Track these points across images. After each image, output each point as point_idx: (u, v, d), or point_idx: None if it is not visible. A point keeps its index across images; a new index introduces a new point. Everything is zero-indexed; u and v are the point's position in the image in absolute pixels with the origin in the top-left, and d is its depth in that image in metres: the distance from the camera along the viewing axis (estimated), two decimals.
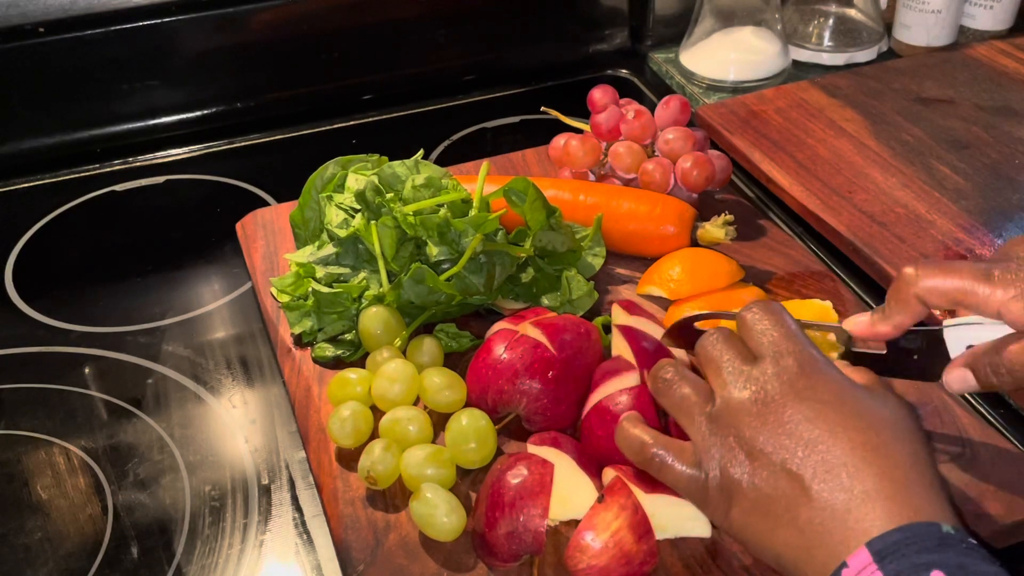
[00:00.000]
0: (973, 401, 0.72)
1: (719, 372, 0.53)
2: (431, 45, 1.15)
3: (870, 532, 0.45)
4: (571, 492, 0.60)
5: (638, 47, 1.22)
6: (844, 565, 0.45)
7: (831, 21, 1.15)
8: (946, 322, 0.60)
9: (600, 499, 0.58)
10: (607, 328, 0.73)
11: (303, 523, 0.67)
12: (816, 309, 0.73)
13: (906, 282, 0.56)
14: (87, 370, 0.80)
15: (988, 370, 0.56)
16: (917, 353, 0.61)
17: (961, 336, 0.59)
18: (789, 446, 0.49)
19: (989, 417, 0.70)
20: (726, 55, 1.10)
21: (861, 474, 0.47)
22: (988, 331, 0.57)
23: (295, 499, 0.68)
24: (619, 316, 0.71)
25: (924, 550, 0.44)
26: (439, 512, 0.60)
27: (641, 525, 0.57)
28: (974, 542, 0.45)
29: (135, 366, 0.80)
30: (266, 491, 0.69)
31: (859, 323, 0.60)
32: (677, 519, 0.59)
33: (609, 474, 0.61)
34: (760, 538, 0.49)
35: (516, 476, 0.59)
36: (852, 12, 1.15)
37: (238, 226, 0.90)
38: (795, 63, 1.14)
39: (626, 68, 1.20)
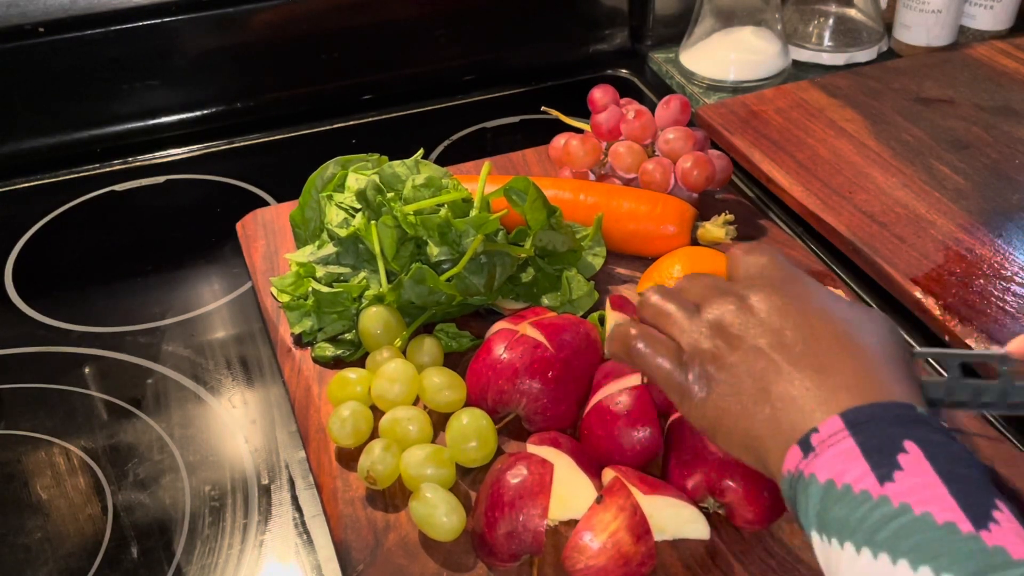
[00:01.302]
0: None
1: (704, 290, 0.54)
2: (431, 45, 1.15)
3: (843, 404, 0.45)
4: (571, 492, 0.60)
5: (638, 47, 1.22)
6: (814, 430, 0.45)
7: (831, 21, 1.15)
8: None
9: (599, 500, 0.58)
10: (601, 320, 0.73)
11: (303, 523, 0.67)
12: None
13: None
14: (87, 370, 0.80)
15: None
16: None
17: None
18: (766, 331, 0.49)
19: (989, 417, 0.70)
20: (726, 55, 1.10)
21: (837, 356, 0.47)
22: None
23: (295, 499, 0.68)
24: (610, 313, 0.71)
25: (897, 423, 0.44)
26: (439, 512, 0.60)
27: (639, 526, 0.57)
28: (946, 425, 0.45)
29: (135, 366, 0.80)
30: (266, 491, 0.69)
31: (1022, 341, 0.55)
32: (676, 520, 0.59)
33: (609, 475, 0.61)
34: (734, 421, 0.49)
35: (516, 476, 0.59)
36: (852, 12, 1.15)
37: (238, 226, 0.90)
38: (795, 63, 1.14)
39: (626, 68, 1.20)
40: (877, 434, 0.43)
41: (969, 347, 0.72)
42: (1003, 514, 0.40)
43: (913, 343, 0.76)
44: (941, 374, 0.64)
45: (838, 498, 0.42)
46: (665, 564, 0.59)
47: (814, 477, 0.44)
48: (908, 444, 0.42)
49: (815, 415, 0.46)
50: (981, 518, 0.39)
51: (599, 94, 0.90)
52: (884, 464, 0.42)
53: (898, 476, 0.41)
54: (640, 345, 0.54)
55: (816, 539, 0.44)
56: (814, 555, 0.45)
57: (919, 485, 0.41)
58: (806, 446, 0.45)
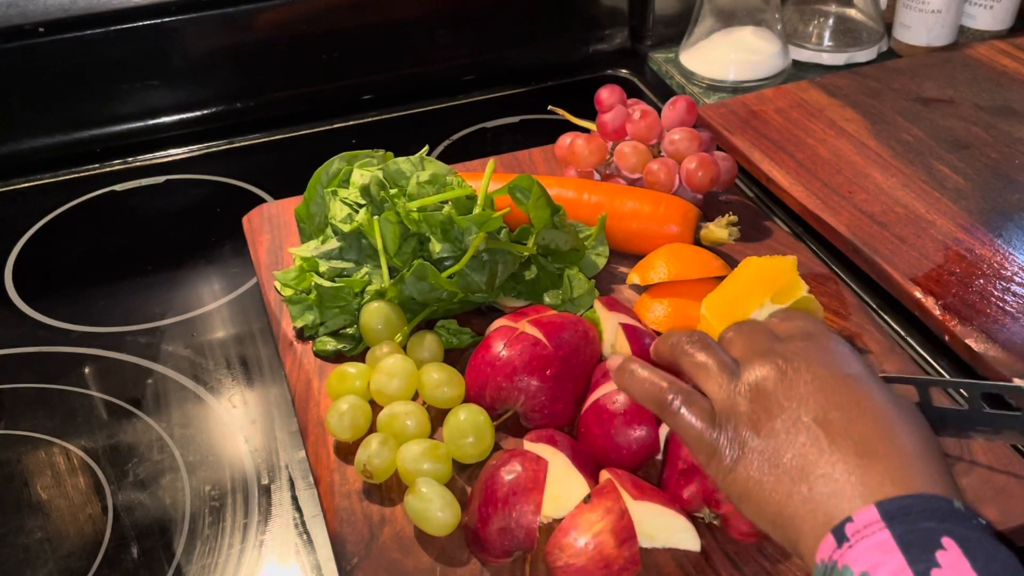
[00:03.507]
0: None
1: (745, 344, 0.54)
2: (431, 45, 1.15)
3: (881, 494, 0.44)
4: (564, 490, 0.60)
5: (638, 47, 1.22)
6: (849, 519, 0.44)
7: (831, 21, 1.15)
8: None
9: (586, 499, 0.57)
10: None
11: (303, 523, 0.67)
12: (783, 264, 0.72)
13: None
14: (87, 370, 0.80)
15: None
16: None
17: None
18: (812, 405, 0.48)
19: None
20: (726, 55, 1.10)
21: (880, 441, 0.47)
22: None
23: (295, 499, 0.68)
24: (602, 313, 0.71)
25: (934, 518, 0.43)
26: (433, 507, 0.60)
27: (624, 531, 0.56)
28: (983, 521, 0.44)
29: (135, 366, 0.80)
30: (266, 491, 0.69)
31: None
32: (666, 529, 0.58)
33: (605, 476, 0.60)
34: (763, 493, 0.48)
35: (510, 472, 0.59)
36: (852, 12, 1.15)
37: (244, 219, 0.90)
38: (795, 63, 1.14)
39: (626, 68, 1.20)
40: (914, 528, 0.42)
41: (969, 347, 0.72)
42: None
43: (945, 373, 0.75)
44: (960, 404, 0.65)
45: None
46: (659, 564, 0.59)
47: (848, 569, 0.42)
48: (946, 541, 0.41)
49: (853, 502, 0.45)
50: None
51: (606, 94, 0.90)
52: (922, 560, 0.41)
53: (936, 574, 0.40)
54: (672, 400, 0.53)
55: None
56: None
57: None
58: (840, 535, 0.44)
